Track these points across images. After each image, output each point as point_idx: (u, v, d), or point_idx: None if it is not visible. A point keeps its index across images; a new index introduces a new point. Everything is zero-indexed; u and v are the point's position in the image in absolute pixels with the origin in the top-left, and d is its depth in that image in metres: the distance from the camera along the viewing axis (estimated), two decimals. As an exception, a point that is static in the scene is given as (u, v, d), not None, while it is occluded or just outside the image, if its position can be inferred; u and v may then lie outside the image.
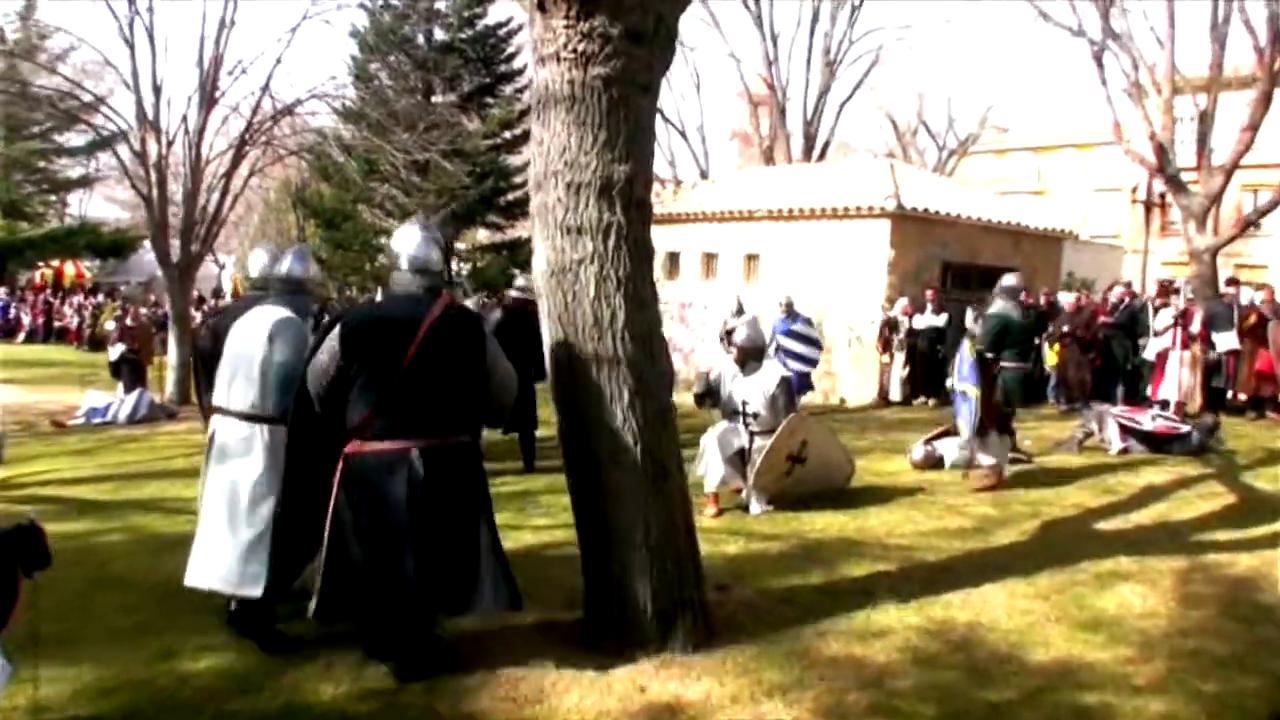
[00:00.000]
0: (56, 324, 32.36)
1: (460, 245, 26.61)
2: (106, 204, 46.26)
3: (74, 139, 39.51)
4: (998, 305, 9.50)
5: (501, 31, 26.55)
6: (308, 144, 23.82)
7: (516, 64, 26.90)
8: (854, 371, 16.76)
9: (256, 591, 4.98)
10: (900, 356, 15.84)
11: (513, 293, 11.21)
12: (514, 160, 27.28)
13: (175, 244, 18.27)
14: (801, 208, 17.26)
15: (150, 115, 18.09)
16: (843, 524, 7.55)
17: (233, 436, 5.18)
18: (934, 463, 9.72)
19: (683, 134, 35.68)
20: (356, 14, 23.88)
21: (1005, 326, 9.26)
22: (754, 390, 8.08)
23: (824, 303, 16.93)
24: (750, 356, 8.22)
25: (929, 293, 15.79)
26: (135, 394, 15.17)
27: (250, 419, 5.16)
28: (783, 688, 4.46)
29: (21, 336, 31.95)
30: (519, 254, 24.32)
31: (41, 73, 25.54)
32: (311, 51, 33.40)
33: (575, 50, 4.77)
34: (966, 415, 8.71)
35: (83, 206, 45.84)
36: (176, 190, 19.72)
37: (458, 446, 4.62)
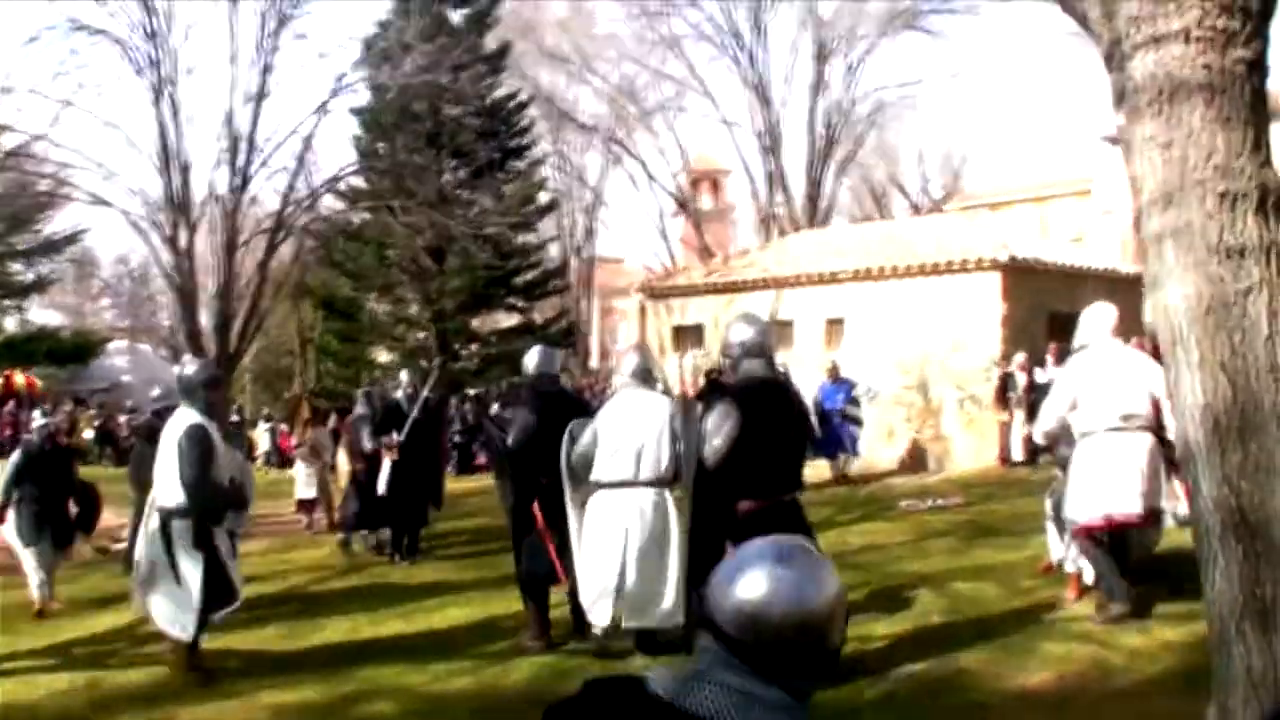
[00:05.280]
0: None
1: (476, 326, 25.11)
2: (47, 311, 43.82)
3: (25, 242, 36.74)
4: None
5: (511, 104, 25.32)
6: (322, 230, 22.54)
7: (525, 139, 25.75)
8: (968, 434, 15.78)
9: (680, 619, 6.13)
10: (1020, 414, 14.95)
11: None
12: (532, 238, 26.01)
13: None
14: (895, 265, 16.33)
15: (178, 198, 16.77)
16: None
17: (645, 502, 6.22)
18: None
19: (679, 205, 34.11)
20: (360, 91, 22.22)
21: None
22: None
23: (923, 363, 16.01)
24: None
25: (1051, 345, 14.95)
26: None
27: (657, 485, 6.25)
28: None
29: (-12, 452, 29.16)
30: (545, 336, 22.83)
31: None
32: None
33: (1215, 27, 3.77)
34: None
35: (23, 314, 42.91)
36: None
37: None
